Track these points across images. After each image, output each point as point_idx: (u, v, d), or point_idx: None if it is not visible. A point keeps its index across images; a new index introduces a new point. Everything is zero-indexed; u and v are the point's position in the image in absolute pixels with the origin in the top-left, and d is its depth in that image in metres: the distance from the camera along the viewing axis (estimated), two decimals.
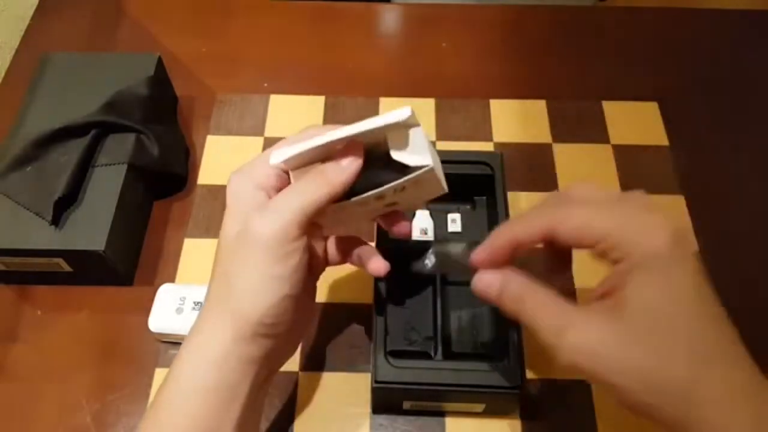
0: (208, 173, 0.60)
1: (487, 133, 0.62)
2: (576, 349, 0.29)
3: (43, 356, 0.50)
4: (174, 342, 0.50)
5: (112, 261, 0.50)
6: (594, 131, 0.62)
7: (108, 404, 0.48)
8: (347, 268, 0.42)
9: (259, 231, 0.32)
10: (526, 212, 0.33)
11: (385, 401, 0.46)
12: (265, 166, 0.35)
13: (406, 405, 0.46)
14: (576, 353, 0.29)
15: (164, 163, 0.55)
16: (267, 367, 0.36)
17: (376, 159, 0.34)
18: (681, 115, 0.63)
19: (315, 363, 0.49)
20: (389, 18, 0.74)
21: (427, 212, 0.52)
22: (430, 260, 0.38)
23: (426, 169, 0.33)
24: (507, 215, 0.47)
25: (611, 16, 0.76)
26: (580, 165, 0.60)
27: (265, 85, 0.66)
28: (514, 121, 0.63)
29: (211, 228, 0.56)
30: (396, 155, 0.32)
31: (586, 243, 0.31)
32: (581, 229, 0.31)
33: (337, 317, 0.51)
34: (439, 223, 0.51)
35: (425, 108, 0.64)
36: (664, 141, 0.62)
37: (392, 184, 0.34)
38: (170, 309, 0.49)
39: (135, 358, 0.50)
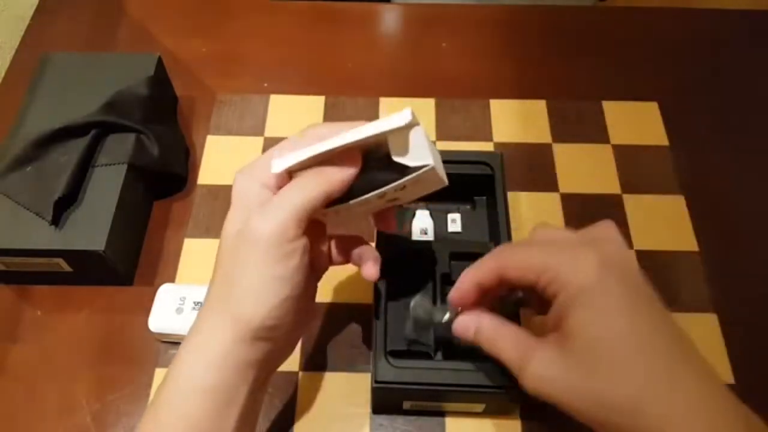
0: (208, 173, 0.60)
1: (487, 133, 0.62)
2: (536, 378, 0.33)
3: (43, 356, 0.50)
4: (174, 342, 0.50)
5: (112, 261, 0.50)
6: (594, 131, 0.62)
7: (108, 404, 0.48)
8: (347, 268, 0.42)
9: (257, 229, 0.32)
10: (485, 256, 0.37)
11: (385, 401, 0.46)
12: (270, 165, 0.35)
13: (406, 405, 0.46)
14: (537, 382, 0.33)
15: (164, 163, 0.55)
16: (266, 369, 0.36)
17: (376, 158, 0.34)
18: (681, 115, 0.63)
19: (315, 363, 0.49)
20: (389, 18, 0.74)
21: (427, 212, 0.52)
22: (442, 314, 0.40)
23: (427, 168, 0.33)
24: (507, 215, 0.47)
25: (611, 16, 0.76)
26: (580, 165, 0.60)
27: (265, 85, 0.66)
28: (514, 121, 0.63)
29: (211, 228, 0.56)
30: (397, 157, 0.33)
31: (529, 280, 0.34)
32: (521, 268, 0.34)
33: (337, 317, 0.51)
34: (439, 223, 0.51)
35: (425, 108, 0.64)
36: (664, 141, 0.62)
37: (394, 184, 0.34)
38: (170, 309, 0.49)
39: (135, 358, 0.50)
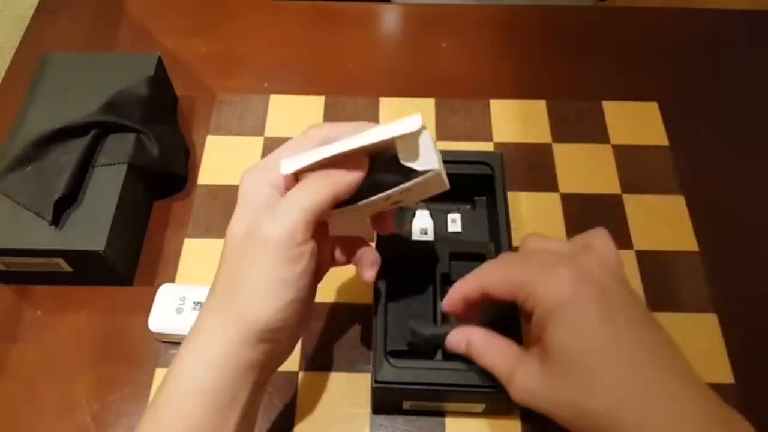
0: (208, 173, 0.60)
1: (487, 133, 0.62)
2: (521, 389, 0.35)
3: (43, 356, 0.50)
4: (174, 342, 0.50)
5: (112, 261, 0.50)
6: (594, 131, 0.62)
7: (108, 404, 0.48)
8: (346, 268, 0.42)
9: (267, 231, 0.32)
10: (472, 272, 0.38)
11: (385, 401, 0.46)
12: (278, 165, 0.35)
13: (406, 405, 0.46)
14: (521, 393, 0.35)
15: (164, 163, 0.55)
16: (266, 371, 0.35)
17: (382, 161, 0.35)
18: (681, 115, 0.63)
19: (315, 363, 0.49)
20: (389, 18, 0.74)
21: (427, 212, 0.52)
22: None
23: (433, 173, 0.33)
24: (507, 215, 0.47)
25: (611, 16, 0.76)
26: (580, 165, 0.60)
27: (265, 85, 0.66)
28: (514, 121, 0.63)
29: (211, 228, 0.56)
30: (405, 161, 0.33)
31: (509, 296, 0.35)
32: (501, 287, 0.36)
33: (337, 317, 0.51)
34: (439, 223, 0.51)
35: (425, 108, 0.64)
36: (664, 141, 0.62)
37: (400, 187, 0.34)
38: (170, 309, 0.49)
39: (135, 358, 0.50)
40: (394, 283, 0.44)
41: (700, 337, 0.51)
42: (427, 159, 0.33)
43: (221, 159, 0.60)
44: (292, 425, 0.47)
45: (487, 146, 0.61)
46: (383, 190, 0.35)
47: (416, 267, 0.46)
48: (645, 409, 0.30)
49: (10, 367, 0.49)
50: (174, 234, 0.56)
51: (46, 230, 0.48)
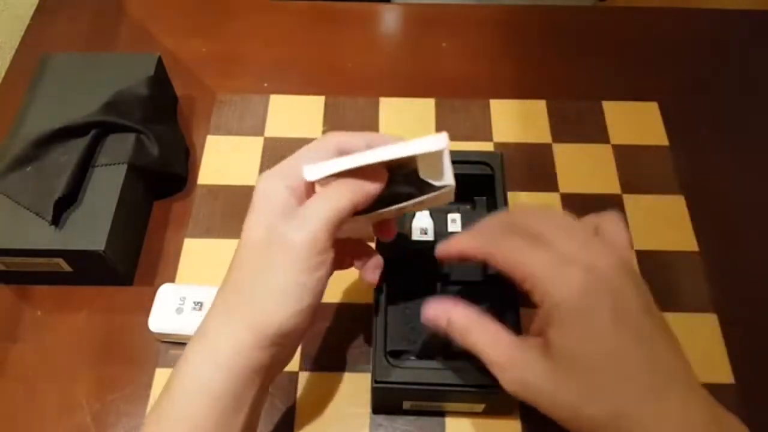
0: (208, 173, 0.60)
1: (487, 133, 0.62)
2: (516, 380, 0.33)
3: (43, 356, 0.50)
4: (174, 342, 0.50)
5: (112, 261, 0.50)
6: (594, 131, 0.62)
7: (108, 404, 0.48)
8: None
9: (290, 237, 0.33)
10: (479, 227, 0.37)
11: (385, 401, 0.46)
12: (298, 168, 0.35)
13: (406, 405, 0.46)
14: (516, 384, 0.33)
15: (164, 163, 0.55)
16: (269, 376, 0.35)
17: (399, 173, 0.35)
18: (681, 115, 0.63)
19: (315, 363, 0.49)
20: (389, 18, 0.74)
21: (427, 212, 0.52)
22: None
23: (448, 188, 0.34)
24: None
25: (611, 16, 0.76)
26: (580, 165, 0.60)
27: (265, 85, 0.66)
28: (514, 121, 0.63)
29: (212, 228, 0.56)
30: (425, 176, 0.34)
31: (513, 278, 0.34)
32: (508, 265, 0.34)
33: (337, 317, 0.51)
34: (439, 223, 0.51)
35: (425, 108, 0.64)
36: (664, 141, 0.62)
37: (415, 200, 0.35)
38: (170, 309, 0.49)
39: (135, 358, 0.50)
40: (395, 283, 0.44)
41: (700, 337, 0.51)
42: (446, 175, 0.34)
43: (221, 159, 0.60)
44: (292, 425, 0.47)
45: (487, 146, 0.61)
46: (397, 202, 0.36)
47: (416, 267, 0.46)
48: (645, 416, 0.30)
49: (10, 367, 0.49)
50: (174, 234, 0.56)
51: (46, 230, 0.48)
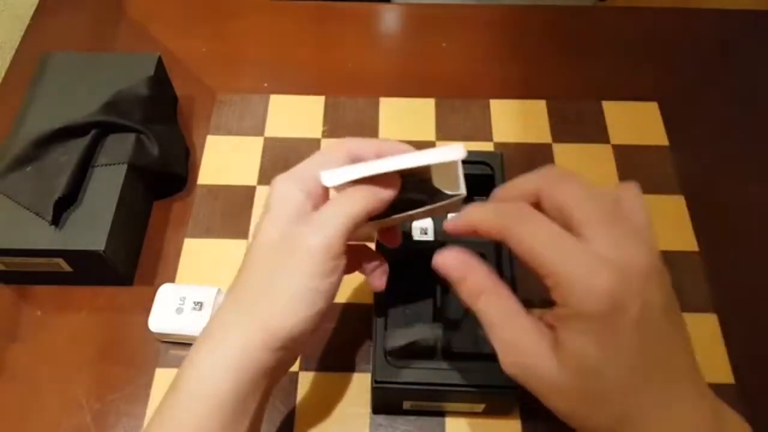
0: (208, 173, 0.60)
1: (487, 133, 0.62)
2: (518, 366, 0.31)
3: (43, 356, 0.50)
4: (174, 342, 0.50)
5: (112, 261, 0.50)
6: (594, 131, 0.62)
7: (108, 404, 0.48)
8: None
9: (306, 242, 0.33)
10: (502, 193, 0.35)
11: (385, 401, 0.46)
12: (313, 172, 0.35)
13: (406, 405, 0.46)
14: (517, 369, 0.31)
15: (164, 163, 0.55)
16: (274, 380, 0.35)
17: (412, 180, 0.36)
18: (681, 115, 0.63)
19: (315, 363, 0.49)
20: (389, 18, 0.74)
21: None
22: None
23: (458, 197, 0.35)
24: None
25: (611, 16, 0.76)
26: (580, 165, 0.60)
27: (265, 85, 0.66)
28: (514, 121, 0.63)
29: (211, 228, 0.56)
30: (439, 185, 0.35)
31: (531, 265, 0.30)
32: (527, 251, 0.30)
33: (337, 317, 0.51)
34: (439, 223, 0.51)
35: (425, 108, 0.64)
36: (664, 141, 0.62)
37: (426, 208, 0.36)
38: (170, 309, 0.49)
39: (135, 358, 0.50)
40: (395, 283, 0.44)
41: (700, 337, 0.50)
42: (457, 184, 0.35)
43: (221, 159, 0.60)
44: (292, 425, 0.47)
45: (487, 146, 0.61)
46: (408, 209, 0.36)
47: (416, 267, 0.46)
48: (651, 423, 0.30)
49: (10, 367, 0.49)
50: (174, 234, 0.56)
51: (46, 230, 0.48)
